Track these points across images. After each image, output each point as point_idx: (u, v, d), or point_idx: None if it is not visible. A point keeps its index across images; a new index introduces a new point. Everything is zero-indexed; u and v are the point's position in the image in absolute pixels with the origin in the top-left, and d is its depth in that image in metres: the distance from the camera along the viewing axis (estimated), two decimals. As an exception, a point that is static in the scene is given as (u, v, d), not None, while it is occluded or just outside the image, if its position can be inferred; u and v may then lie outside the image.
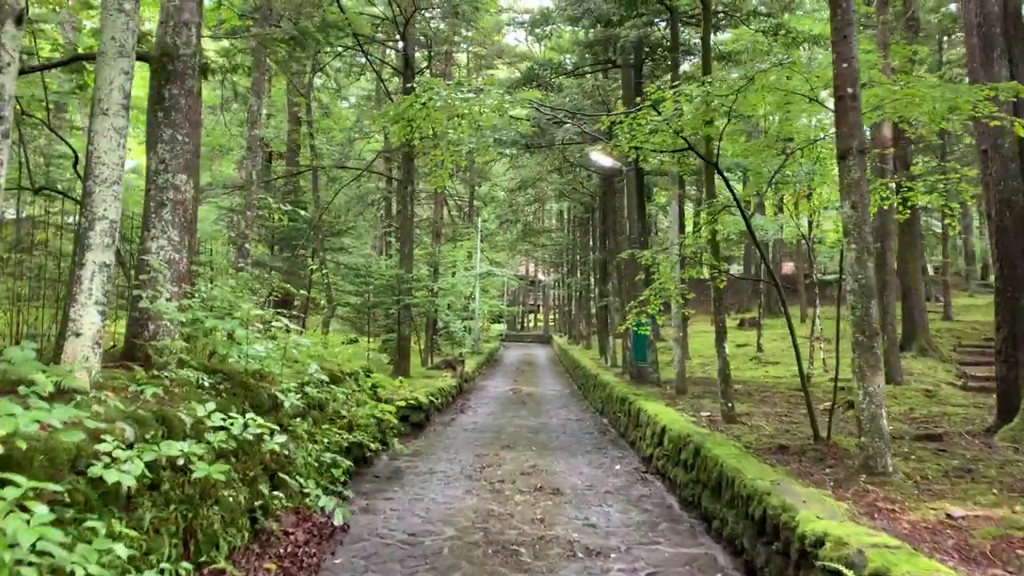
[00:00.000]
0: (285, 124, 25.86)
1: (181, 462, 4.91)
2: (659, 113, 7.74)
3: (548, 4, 33.01)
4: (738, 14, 15.68)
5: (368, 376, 11.90)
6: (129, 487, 4.52)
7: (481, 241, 38.28)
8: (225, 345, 6.23)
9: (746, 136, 25.19)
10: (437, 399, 17.29)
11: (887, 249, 18.24)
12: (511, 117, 10.10)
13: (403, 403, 11.55)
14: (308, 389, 6.23)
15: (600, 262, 28.96)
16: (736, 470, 6.77)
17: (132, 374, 6.06)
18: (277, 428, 5.51)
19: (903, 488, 6.20)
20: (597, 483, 9.89)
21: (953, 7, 25.08)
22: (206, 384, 6.59)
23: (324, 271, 16.62)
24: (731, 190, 7.90)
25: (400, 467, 11.00)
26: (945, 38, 28.01)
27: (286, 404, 5.87)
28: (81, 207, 5.66)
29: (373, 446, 9.48)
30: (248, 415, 5.24)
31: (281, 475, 6.18)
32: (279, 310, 7.99)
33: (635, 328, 17.22)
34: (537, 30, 27.60)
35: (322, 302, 17.84)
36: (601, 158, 17.99)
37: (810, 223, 21.09)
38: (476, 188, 42.59)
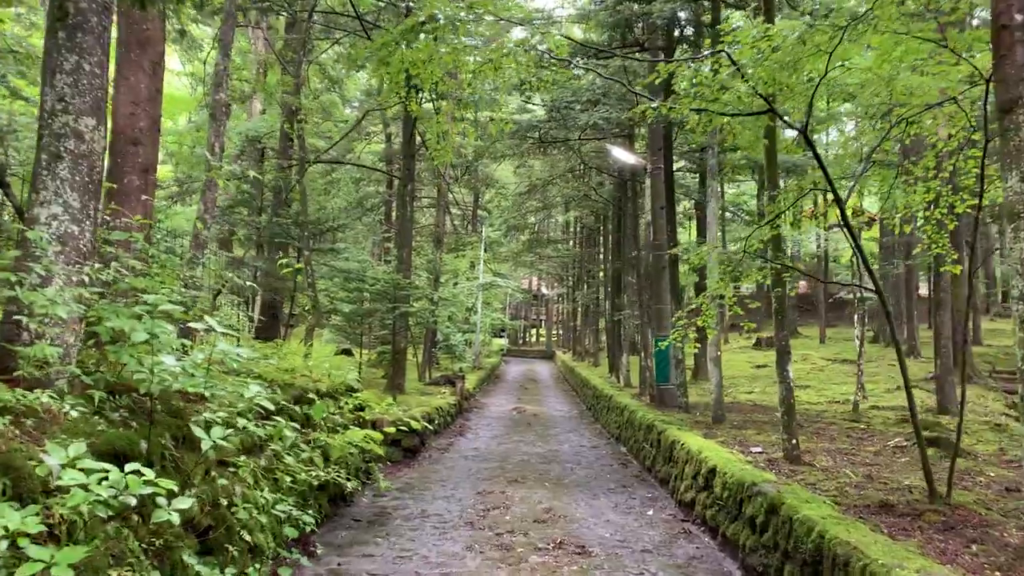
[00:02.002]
0: (278, 122, 24.02)
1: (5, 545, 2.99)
2: (733, 62, 5.89)
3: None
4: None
5: (352, 395, 9.96)
6: None
7: (485, 251, 36.36)
8: (130, 354, 4.31)
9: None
10: (434, 420, 15.33)
11: (942, 262, 16.25)
12: (545, 66, 8.14)
13: (392, 429, 9.62)
14: (243, 421, 4.31)
15: (614, 273, 27.02)
16: (849, 545, 4.81)
17: (-14, 395, 4.13)
18: (177, 485, 3.57)
19: (1110, 586, 4.26)
20: (630, 536, 7.91)
21: None
22: (106, 410, 4.69)
23: (310, 274, 14.70)
24: (824, 169, 6.01)
25: (386, 507, 9.04)
26: None
27: (204, 444, 3.95)
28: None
29: (351, 485, 7.55)
30: (131, 466, 3.31)
31: (184, 558, 4.22)
32: (203, 307, 6.01)
33: (657, 344, 15.29)
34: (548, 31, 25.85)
35: (308, 307, 15.86)
36: (623, 154, 16.14)
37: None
38: (480, 195, 40.74)
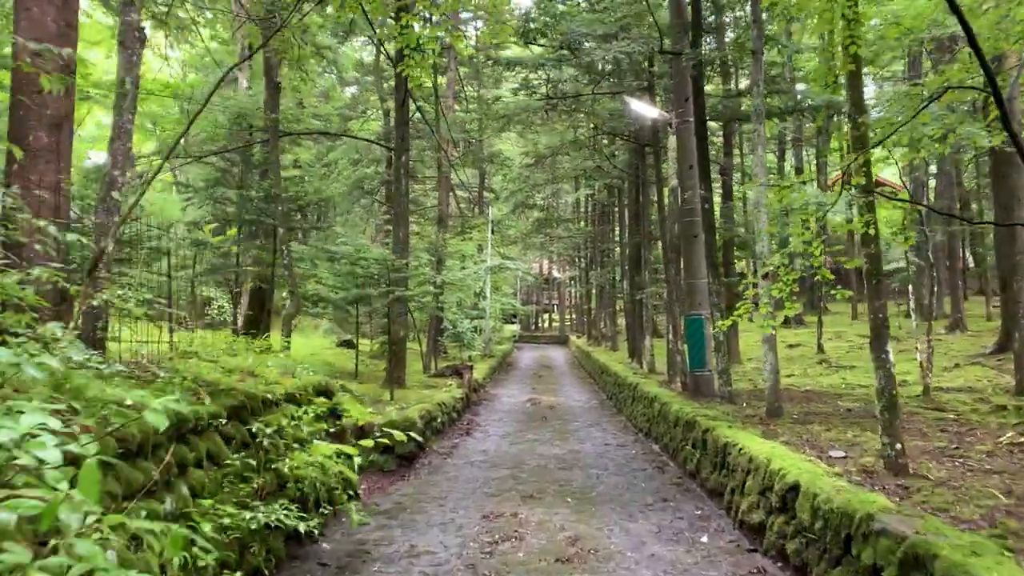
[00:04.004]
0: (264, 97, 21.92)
1: None
2: None
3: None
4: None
5: (325, 397, 7.96)
6: None
7: (492, 232, 34.23)
8: None
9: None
10: (436, 419, 13.35)
11: (1017, 219, 14.10)
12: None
13: (370, 443, 7.56)
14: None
15: (632, 249, 24.87)
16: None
17: None
18: None
19: None
20: (686, 581, 5.88)
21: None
22: None
23: (287, 256, 12.68)
24: (977, 49, 3.92)
25: (365, 541, 7.03)
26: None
27: None
28: None
29: (304, 526, 5.56)
30: None
31: None
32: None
33: (689, 324, 13.21)
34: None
35: (284, 294, 13.86)
36: (643, 107, 14.02)
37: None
38: (487, 175, 38.58)
